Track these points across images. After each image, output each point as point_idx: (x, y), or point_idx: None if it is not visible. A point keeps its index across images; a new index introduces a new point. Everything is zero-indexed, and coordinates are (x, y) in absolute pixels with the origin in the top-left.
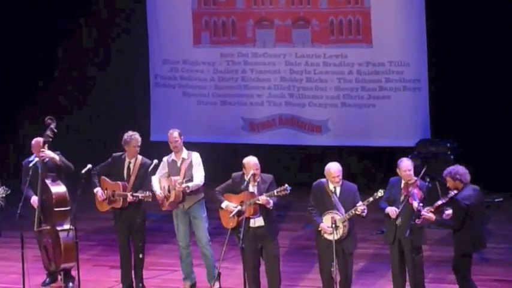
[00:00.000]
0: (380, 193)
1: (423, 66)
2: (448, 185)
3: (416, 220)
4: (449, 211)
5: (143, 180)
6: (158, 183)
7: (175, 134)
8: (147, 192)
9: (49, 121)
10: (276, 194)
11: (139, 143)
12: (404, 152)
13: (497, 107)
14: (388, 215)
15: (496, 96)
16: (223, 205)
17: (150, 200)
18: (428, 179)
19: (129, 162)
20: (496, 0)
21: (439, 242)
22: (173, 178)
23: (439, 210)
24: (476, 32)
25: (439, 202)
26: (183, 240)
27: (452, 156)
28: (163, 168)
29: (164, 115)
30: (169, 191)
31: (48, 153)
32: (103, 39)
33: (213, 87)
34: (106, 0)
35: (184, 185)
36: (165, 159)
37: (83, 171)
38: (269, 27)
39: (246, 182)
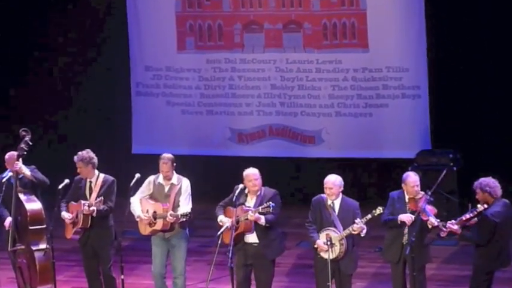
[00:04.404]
0: (379, 210)
1: (423, 72)
2: (477, 197)
3: (441, 233)
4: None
5: (106, 197)
6: (139, 205)
7: (166, 166)
8: (104, 206)
9: (23, 133)
10: (261, 210)
11: (92, 160)
12: (403, 163)
13: (502, 115)
14: (400, 224)
15: (501, 103)
16: (218, 219)
17: (102, 206)
18: (429, 192)
19: (90, 182)
20: (499, 4)
21: (445, 260)
22: (162, 205)
23: (463, 224)
24: (479, 35)
25: (466, 216)
26: (159, 268)
27: (455, 168)
28: (146, 190)
29: (146, 126)
30: (154, 218)
31: (21, 167)
32: (80, 44)
33: (198, 96)
34: (82, 2)
35: (175, 217)
36: (151, 178)
37: (60, 186)
38: (258, 31)
39: (236, 197)
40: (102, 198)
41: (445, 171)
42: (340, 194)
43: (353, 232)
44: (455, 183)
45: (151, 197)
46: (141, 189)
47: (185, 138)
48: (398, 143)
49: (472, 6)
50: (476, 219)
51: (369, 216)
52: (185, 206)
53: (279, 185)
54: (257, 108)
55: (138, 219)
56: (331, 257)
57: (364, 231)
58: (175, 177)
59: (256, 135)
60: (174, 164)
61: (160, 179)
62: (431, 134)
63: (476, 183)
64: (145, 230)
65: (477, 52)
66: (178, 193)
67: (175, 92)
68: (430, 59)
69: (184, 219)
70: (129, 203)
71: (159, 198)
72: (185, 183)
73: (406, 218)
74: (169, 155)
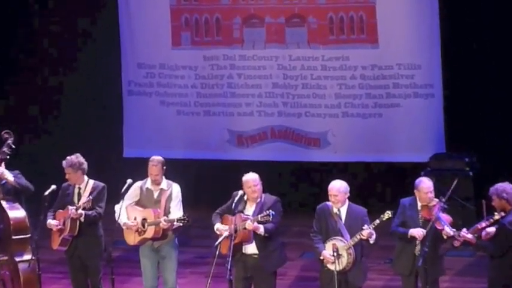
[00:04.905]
0: (387, 215)
1: (437, 69)
2: (493, 204)
3: (455, 242)
4: (491, 229)
5: (95, 203)
6: (125, 212)
7: (155, 169)
8: (93, 212)
9: (6, 135)
10: (260, 219)
11: (82, 166)
12: (416, 168)
13: None
14: (409, 238)
15: None
16: (215, 228)
17: (91, 211)
18: (444, 199)
19: (79, 188)
20: None
21: (459, 272)
22: (153, 211)
23: (478, 233)
24: (497, 30)
25: (482, 224)
26: (151, 281)
27: (471, 173)
28: (133, 196)
29: (139, 127)
30: (143, 225)
31: (4, 172)
32: (66, 39)
33: (195, 95)
34: None
35: (169, 223)
36: (138, 184)
37: (46, 192)
38: (259, 25)
39: (235, 204)
40: (90, 198)
41: (456, 181)
42: (347, 200)
43: (362, 237)
44: (472, 189)
45: (139, 203)
46: (127, 195)
47: (180, 140)
48: (410, 145)
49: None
50: (492, 228)
51: (377, 221)
52: (176, 212)
53: (281, 191)
54: (258, 109)
55: (124, 228)
56: (338, 269)
57: (374, 236)
58: (165, 182)
59: (257, 138)
60: (164, 168)
61: (148, 184)
62: (446, 136)
63: (492, 189)
64: (133, 239)
65: (496, 48)
66: (169, 199)
67: (170, 91)
68: (444, 55)
69: (181, 224)
70: (108, 214)
71: (148, 205)
72: (176, 189)
73: (417, 232)
74: (159, 158)
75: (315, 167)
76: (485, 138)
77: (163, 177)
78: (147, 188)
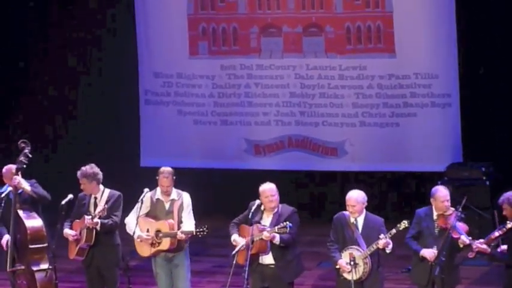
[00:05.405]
0: (404, 224)
1: (454, 78)
2: (504, 213)
3: (469, 253)
4: (504, 246)
5: (111, 211)
6: (137, 224)
7: (167, 181)
8: (109, 220)
9: (22, 145)
10: (276, 230)
11: (97, 176)
12: (433, 177)
13: None
14: (421, 258)
15: None
16: (231, 238)
17: (106, 220)
18: (460, 209)
19: (95, 198)
20: None
21: (475, 282)
22: (167, 223)
23: (492, 243)
24: None
25: (495, 234)
26: None
27: (488, 182)
28: (145, 207)
29: (156, 137)
30: (156, 237)
31: (20, 182)
32: (84, 48)
33: (212, 105)
34: (88, 4)
35: (187, 235)
36: (148, 195)
37: (63, 202)
38: (276, 35)
39: (251, 214)
40: (105, 206)
41: (465, 200)
42: (364, 210)
43: (378, 247)
44: (489, 199)
45: (149, 214)
46: (137, 207)
47: (198, 150)
48: (427, 155)
49: (509, 4)
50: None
51: (394, 230)
52: (188, 222)
53: (297, 199)
54: (275, 118)
55: (138, 240)
56: (354, 278)
57: (390, 246)
58: (175, 192)
59: (275, 147)
60: (174, 178)
61: (158, 194)
62: (463, 145)
63: (502, 198)
64: (148, 251)
65: None
66: (180, 208)
67: (187, 100)
68: (462, 64)
69: (199, 235)
70: (125, 224)
71: (160, 216)
72: (186, 198)
73: (429, 254)
74: (169, 169)
75: (332, 176)
76: (502, 147)
77: (173, 187)
78: (157, 199)
